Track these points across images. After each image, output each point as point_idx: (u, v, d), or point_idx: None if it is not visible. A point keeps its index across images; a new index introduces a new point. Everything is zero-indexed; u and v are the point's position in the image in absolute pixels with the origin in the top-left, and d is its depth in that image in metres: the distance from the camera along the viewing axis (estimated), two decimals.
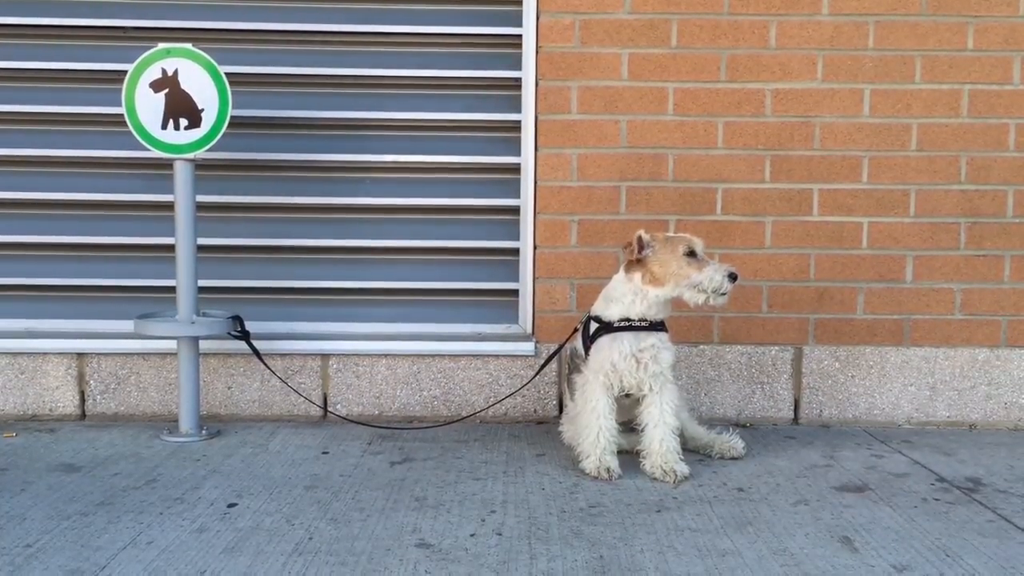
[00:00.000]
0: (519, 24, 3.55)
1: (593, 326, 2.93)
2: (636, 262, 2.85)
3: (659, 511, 2.55)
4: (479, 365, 3.57)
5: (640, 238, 2.84)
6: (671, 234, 2.89)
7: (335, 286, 3.66)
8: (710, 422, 3.35)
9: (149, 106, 3.13)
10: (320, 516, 2.48)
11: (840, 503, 2.65)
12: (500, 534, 2.36)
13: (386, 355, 3.56)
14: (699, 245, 2.84)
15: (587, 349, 2.95)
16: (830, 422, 3.61)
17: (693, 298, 2.82)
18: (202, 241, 3.44)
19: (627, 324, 2.86)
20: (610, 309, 2.90)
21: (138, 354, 3.52)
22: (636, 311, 2.86)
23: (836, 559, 2.23)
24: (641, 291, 2.85)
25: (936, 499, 2.70)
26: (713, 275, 2.77)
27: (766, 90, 3.49)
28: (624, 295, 2.88)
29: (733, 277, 2.78)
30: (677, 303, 2.93)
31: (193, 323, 3.23)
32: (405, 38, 3.60)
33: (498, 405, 3.57)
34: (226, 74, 3.15)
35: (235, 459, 3.02)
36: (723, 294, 2.80)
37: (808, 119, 3.50)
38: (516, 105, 3.59)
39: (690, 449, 3.09)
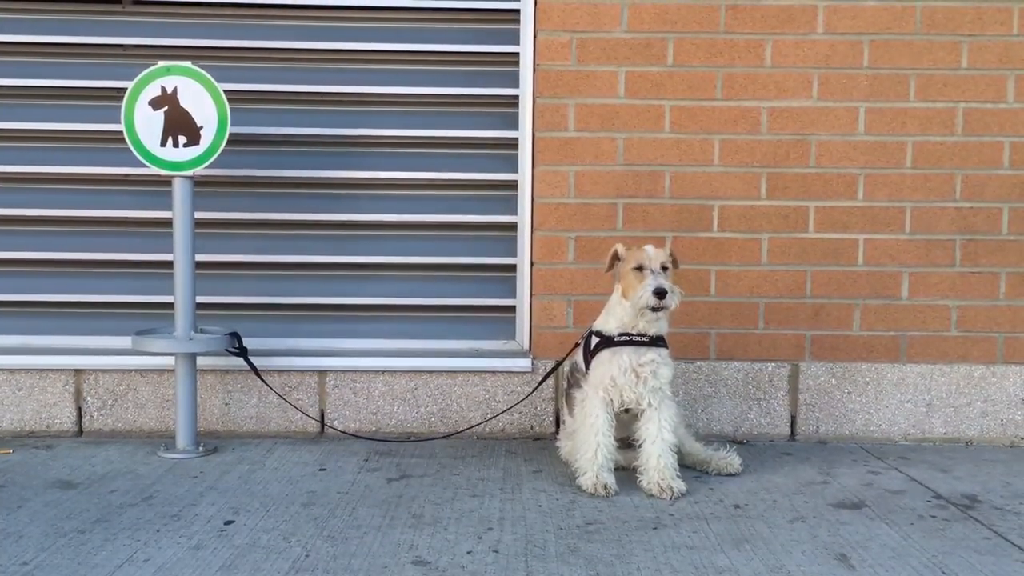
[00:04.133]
0: (516, 43, 3.57)
1: (594, 341, 2.95)
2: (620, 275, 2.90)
3: (656, 528, 2.55)
4: (476, 381, 3.57)
5: (615, 252, 2.90)
6: (637, 248, 2.86)
7: (333, 302, 3.66)
8: (707, 438, 3.36)
9: (148, 123, 3.14)
10: (317, 533, 2.48)
11: (837, 520, 2.65)
12: (497, 551, 2.36)
13: (383, 371, 3.56)
14: (650, 259, 2.79)
15: (588, 364, 2.96)
16: (827, 438, 3.61)
17: (635, 311, 2.80)
18: (200, 257, 3.45)
19: (627, 339, 2.87)
20: (609, 323, 2.93)
21: (136, 370, 3.52)
22: (628, 324, 2.87)
23: None
24: (622, 303, 2.89)
25: (933, 516, 2.70)
26: (640, 291, 2.75)
27: (762, 108, 3.52)
28: (616, 308, 2.92)
29: (659, 294, 2.72)
30: (676, 318, 2.94)
31: (191, 339, 3.23)
32: (404, 56, 3.62)
33: (495, 421, 3.57)
34: (225, 92, 3.17)
35: (232, 476, 3.02)
36: (653, 308, 2.75)
37: (804, 137, 3.53)
38: (513, 122, 3.61)
39: (687, 465, 3.09)
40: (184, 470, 3.07)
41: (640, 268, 2.79)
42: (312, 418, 3.56)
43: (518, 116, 3.60)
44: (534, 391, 3.49)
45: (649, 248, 2.84)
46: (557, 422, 3.54)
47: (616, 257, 2.90)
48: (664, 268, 2.80)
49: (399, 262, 3.66)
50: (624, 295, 2.86)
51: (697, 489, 2.92)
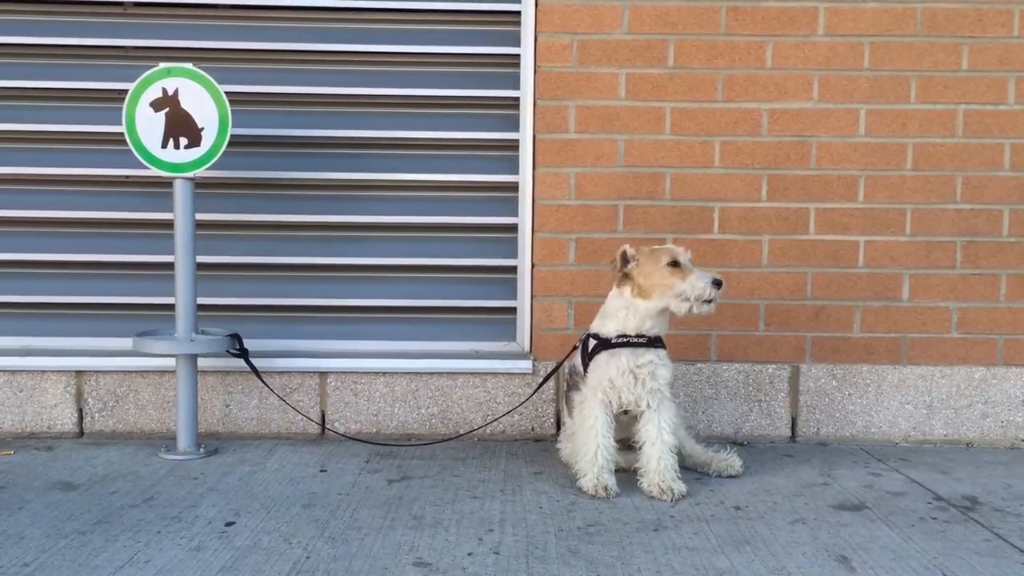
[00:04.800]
0: (517, 44, 3.57)
1: (592, 343, 2.95)
2: (626, 276, 2.88)
3: (656, 530, 2.56)
4: (477, 383, 3.57)
5: (624, 253, 2.87)
6: (656, 247, 2.89)
7: (334, 304, 3.67)
8: (708, 440, 3.36)
9: (149, 125, 3.15)
10: (318, 535, 2.48)
11: (837, 522, 2.65)
12: (498, 553, 2.36)
13: (384, 373, 3.56)
14: (683, 255, 2.84)
15: (586, 367, 2.96)
16: (827, 440, 3.61)
17: (678, 307, 2.81)
18: (201, 259, 3.45)
19: (624, 340, 2.87)
20: (607, 326, 2.92)
21: (136, 372, 3.53)
22: (630, 325, 2.87)
23: None
24: (631, 304, 2.87)
25: (933, 518, 2.70)
26: (695, 282, 2.77)
27: (762, 110, 3.52)
28: (618, 310, 2.90)
29: (717, 284, 2.77)
30: (676, 320, 2.94)
31: (192, 341, 3.24)
32: (405, 58, 3.62)
33: (496, 423, 3.57)
34: (226, 93, 3.18)
35: (233, 477, 3.02)
36: (707, 301, 2.79)
37: (804, 139, 3.53)
38: (514, 124, 3.61)
39: (688, 467, 3.09)
40: (185, 471, 3.08)
41: (676, 264, 2.81)
42: (313, 420, 3.56)
43: (519, 118, 3.60)
44: (535, 393, 3.49)
45: (673, 246, 2.88)
46: (558, 424, 3.55)
47: (625, 258, 2.89)
48: None
49: (400, 263, 3.67)
50: (645, 295, 2.84)
51: (698, 491, 2.92)
